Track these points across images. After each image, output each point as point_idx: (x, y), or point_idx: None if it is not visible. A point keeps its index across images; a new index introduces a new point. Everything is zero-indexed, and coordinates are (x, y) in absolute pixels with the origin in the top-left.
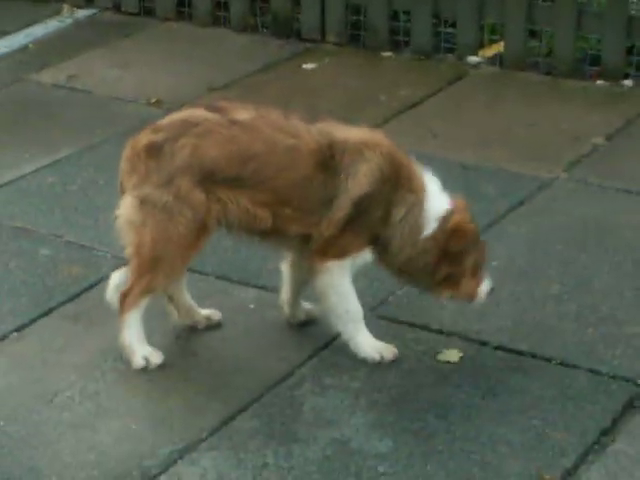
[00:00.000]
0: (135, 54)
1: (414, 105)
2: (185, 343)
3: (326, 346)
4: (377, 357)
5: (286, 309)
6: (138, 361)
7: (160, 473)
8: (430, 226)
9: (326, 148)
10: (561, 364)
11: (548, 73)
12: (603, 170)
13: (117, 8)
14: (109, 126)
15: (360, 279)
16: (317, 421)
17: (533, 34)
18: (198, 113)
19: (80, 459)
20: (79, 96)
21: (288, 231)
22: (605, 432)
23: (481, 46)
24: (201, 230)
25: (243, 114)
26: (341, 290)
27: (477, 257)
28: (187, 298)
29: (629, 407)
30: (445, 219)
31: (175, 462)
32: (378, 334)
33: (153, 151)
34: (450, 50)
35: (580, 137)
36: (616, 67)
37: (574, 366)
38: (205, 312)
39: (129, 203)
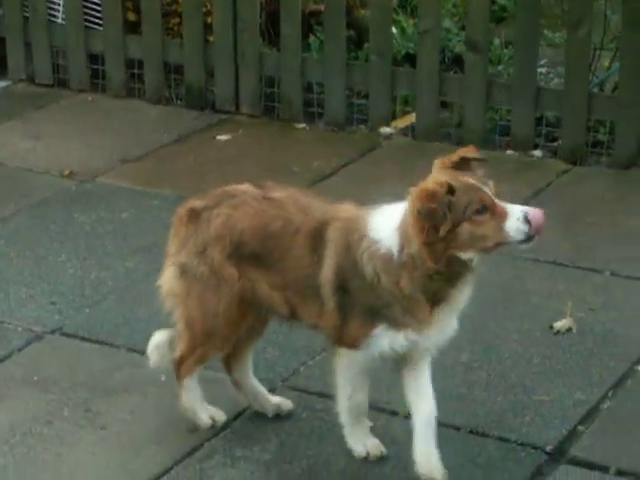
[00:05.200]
0: (48, 126)
1: (327, 176)
2: (94, 416)
3: (237, 417)
4: (363, 453)
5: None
6: (205, 421)
7: None
8: (392, 242)
9: (317, 229)
10: (470, 432)
11: (459, 143)
12: None
13: (31, 80)
14: (21, 198)
15: (271, 349)
16: None
17: (444, 105)
18: (242, 187)
19: None
20: None
21: (300, 318)
22: None
23: (393, 117)
24: (241, 304)
25: (280, 192)
26: (350, 378)
27: (462, 203)
28: (255, 384)
29: (538, 475)
30: (401, 224)
31: None
32: None
33: (193, 217)
34: (363, 121)
35: None
36: (525, 137)
37: (483, 434)
38: (275, 400)
39: (170, 273)
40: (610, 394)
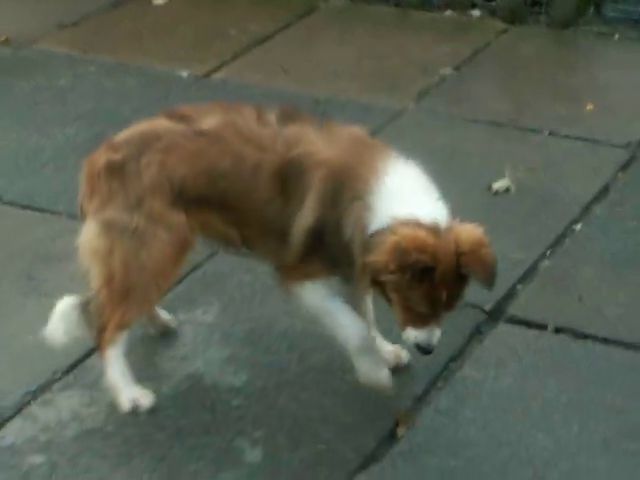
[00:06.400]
0: None
1: (264, 40)
2: (37, 284)
3: (179, 282)
4: (372, 384)
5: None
6: (125, 403)
7: (14, 414)
8: (379, 223)
9: (285, 167)
10: None
11: (397, 5)
12: (451, 100)
13: None
14: None
15: None
16: (172, 357)
17: None
18: (160, 124)
19: None
20: None
21: (253, 251)
22: (453, 359)
23: None
24: (180, 254)
25: (209, 121)
26: (322, 307)
27: (411, 292)
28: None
29: (476, 333)
30: (399, 223)
31: (29, 403)
32: None
33: (115, 171)
34: None
35: (429, 68)
36: None
37: None
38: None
39: (92, 229)
40: (548, 253)
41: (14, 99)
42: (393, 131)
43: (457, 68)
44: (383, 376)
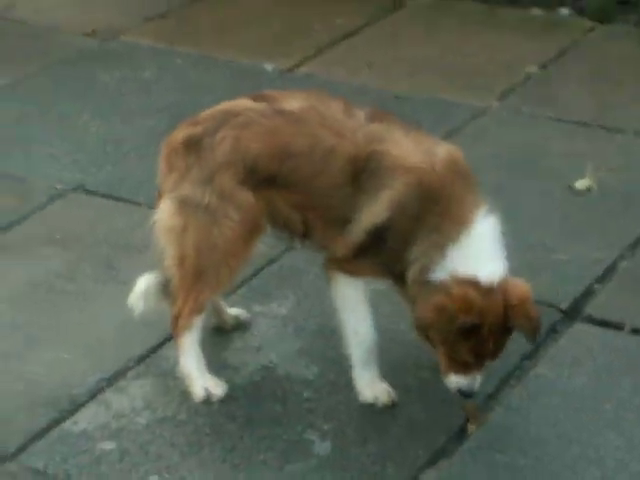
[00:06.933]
0: None
1: (350, 35)
2: (116, 273)
3: (255, 275)
4: (370, 399)
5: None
6: (199, 392)
7: (88, 400)
8: (439, 275)
9: (363, 159)
10: None
11: (484, 2)
12: (535, 99)
13: None
14: (45, 57)
15: None
16: (246, 348)
17: None
18: (242, 103)
19: (9, 389)
20: (15, 26)
21: (313, 238)
22: (527, 357)
23: None
24: (250, 234)
25: (292, 103)
26: (351, 305)
27: (457, 346)
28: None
29: (552, 332)
30: (455, 282)
31: (103, 390)
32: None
33: (192, 145)
34: None
35: (514, 66)
36: None
37: None
38: (234, 312)
39: (167, 207)
40: (628, 254)
41: (99, 90)
42: (475, 129)
43: (543, 66)
44: (382, 390)
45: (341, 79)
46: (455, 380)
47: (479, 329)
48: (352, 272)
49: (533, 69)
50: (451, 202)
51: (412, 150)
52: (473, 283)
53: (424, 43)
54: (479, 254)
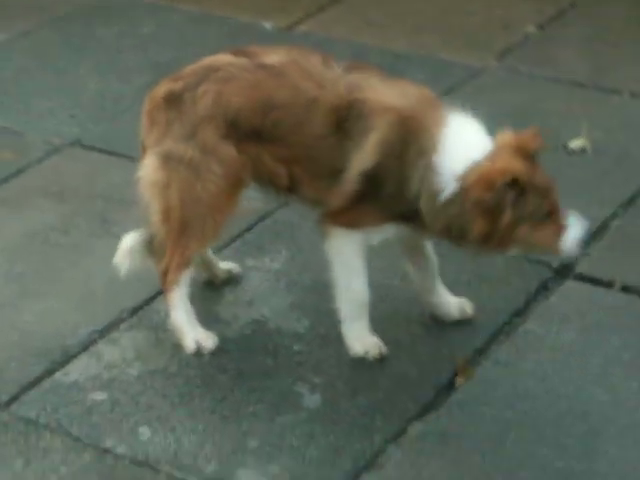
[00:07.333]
0: None
1: None
2: (110, 226)
3: (249, 229)
4: (361, 352)
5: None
6: (190, 345)
7: (80, 352)
8: (448, 188)
9: (345, 107)
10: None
11: None
12: (533, 59)
13: None
14: (43, 12)
15: None
16: (237, 302)
17: None
18: (223, 58)
19: (3, 339)
20: None
21: (300, 192)
22: (517, 313)
23: None
24: (233, 188)
25: (273, 57)
26: (346, 261)
27: (530, 206)
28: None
29: (543, 289)
30: (468, 174)
31: (95, 341)
32: None
33: (173, 100)
34: None
35: (512, 26)
36: None
37: None
38: (226, 266)
39: (151, 162)
40: (621, 212)
41: (97, 45)
42: (473, 88)
43: (541, 27)
44: (372, 344)
45: (340, 37)
46: (566, 240)
47: (534, 183)
48: (351, 224)
49: (531, 29)
50: (427, 126)
51: (389, 93)
52: (480, 163)
53: (424, 2)
54: (465, 143)
